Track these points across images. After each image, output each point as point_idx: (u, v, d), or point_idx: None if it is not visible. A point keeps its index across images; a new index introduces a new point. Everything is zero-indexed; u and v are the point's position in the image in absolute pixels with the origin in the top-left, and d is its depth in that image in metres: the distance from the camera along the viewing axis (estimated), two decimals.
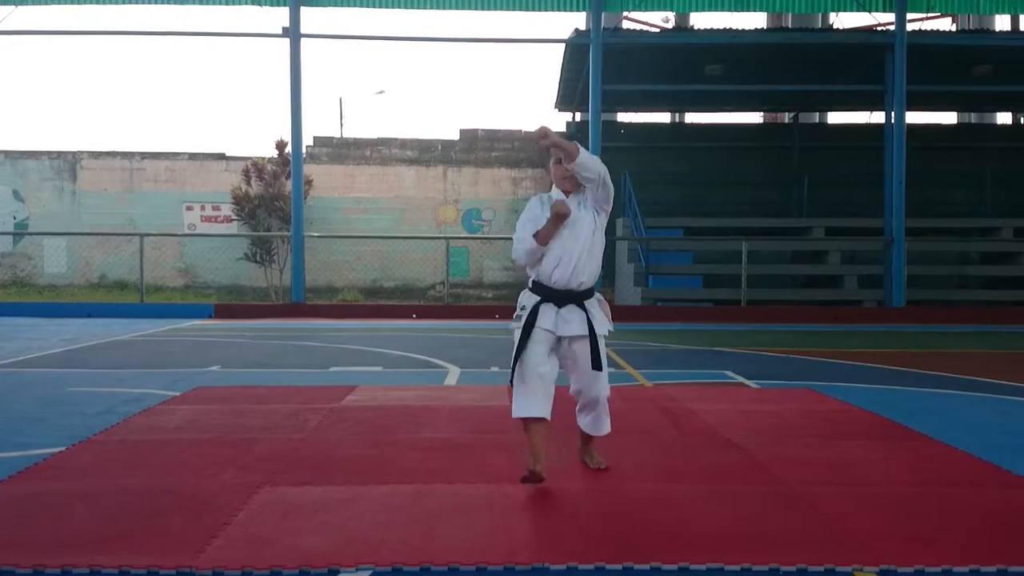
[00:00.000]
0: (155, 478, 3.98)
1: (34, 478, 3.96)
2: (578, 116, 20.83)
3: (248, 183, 19.70)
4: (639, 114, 22.90)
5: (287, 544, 3.11)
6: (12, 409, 5.79)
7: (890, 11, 15.71)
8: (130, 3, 15.57)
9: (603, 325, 3.93)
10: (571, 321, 3.87)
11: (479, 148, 22.21)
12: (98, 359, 8.70)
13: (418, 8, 15.40)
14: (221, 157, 21.81)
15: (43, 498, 3.62)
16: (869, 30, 17.61)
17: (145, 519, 3.36)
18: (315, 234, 18.16)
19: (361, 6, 15.54)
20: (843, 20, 21.33)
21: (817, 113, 23.69)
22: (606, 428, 4.13)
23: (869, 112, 21.69)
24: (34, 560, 2.90)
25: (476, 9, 15.60)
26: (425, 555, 3.00)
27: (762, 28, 20.63)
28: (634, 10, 16.27)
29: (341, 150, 22.12)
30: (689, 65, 17.12)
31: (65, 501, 3.58)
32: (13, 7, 15.09)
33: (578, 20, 18.56)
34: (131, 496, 3.67)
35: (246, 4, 15.41)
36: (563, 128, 21.84)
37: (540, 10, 15.41)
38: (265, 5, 15.29)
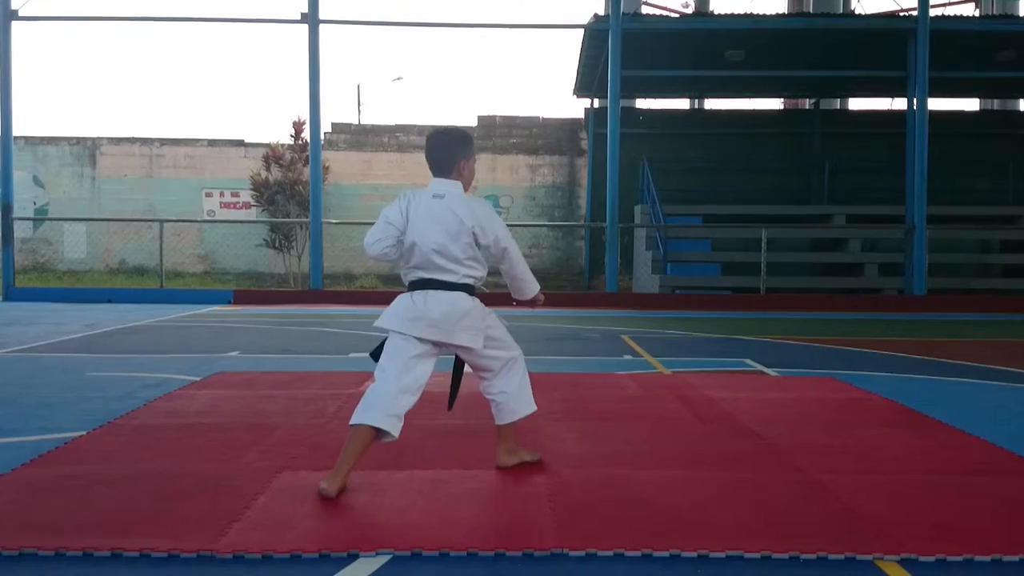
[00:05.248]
0: (176, 462, 4.01)
1: (56, 462, 3.99)
2: (596, 102, 20.73)
3: (268, 169, 19.77)
4: (658, 100, 22.78)
5: (307, 528, 3.13)
6: (34, 393, 5.84)
7: None
8: None
9: None
10: None
11: (497, 135, 22.14)
12: (119, 344, 8.76)
13: None
14: (240, 143, 21.89)
15: (65, 482, 3.65)
16: (891, 15, 17.49)
17: (166, 503, 3.39)
18: (333, 220, 18.19)
19: None
20: (865, 5, 21.14)
21: (838, 99, 23.49)
22: None
23: (891, 98, 21.51)
24: (56, 543, 2.93)
25: None
26: (444, 540, 3.00)
27: (783, 13, 20.49)
28: None
29: (359, 136, 22.11)
30: (709, 51, 17.00)
31: (86, 485, 3.61)
32: None
33: (597, 5, 18.48)
34: (152, 480, 3.70)
35: None
36: (581, 116, 21.79)
37: None
38: None
